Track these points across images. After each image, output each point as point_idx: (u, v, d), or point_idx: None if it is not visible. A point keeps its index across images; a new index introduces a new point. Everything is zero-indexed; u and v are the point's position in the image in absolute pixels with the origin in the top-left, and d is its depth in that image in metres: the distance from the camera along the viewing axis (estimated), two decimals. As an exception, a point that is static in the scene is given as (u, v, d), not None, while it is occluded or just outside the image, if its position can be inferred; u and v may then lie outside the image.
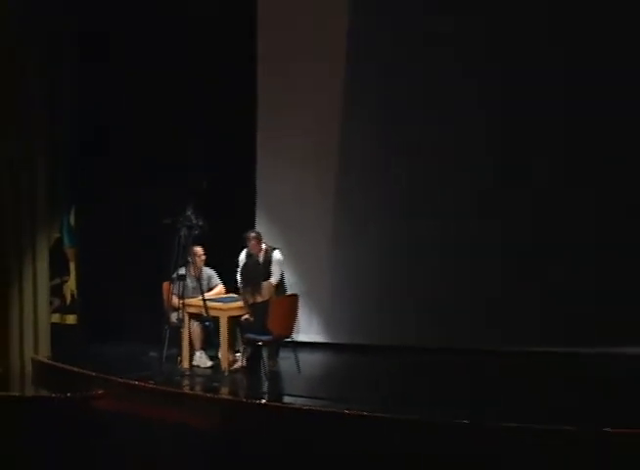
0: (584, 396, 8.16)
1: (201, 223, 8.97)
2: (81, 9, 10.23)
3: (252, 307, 8.94)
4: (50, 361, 9.85)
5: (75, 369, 9.21)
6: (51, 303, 10.13)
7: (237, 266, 9.38)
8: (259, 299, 8.93)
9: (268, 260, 9.32)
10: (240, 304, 9.23)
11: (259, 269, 9.18)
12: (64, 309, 10.21)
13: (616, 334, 9.38)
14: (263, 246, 9.34)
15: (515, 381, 8.67)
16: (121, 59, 10.20)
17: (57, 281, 10.17)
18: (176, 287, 9.21)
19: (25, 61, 9.91)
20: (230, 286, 9.66)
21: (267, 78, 10.24)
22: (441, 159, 9.94)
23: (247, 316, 9.06)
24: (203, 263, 9.42)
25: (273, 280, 9.13)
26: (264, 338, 8.90)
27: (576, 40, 9.57)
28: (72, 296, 10.18)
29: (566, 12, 9.56)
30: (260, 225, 9.99)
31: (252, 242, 9.29)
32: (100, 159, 10.26)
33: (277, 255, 9.33)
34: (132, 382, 8.61)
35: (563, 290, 9.66)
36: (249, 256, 9.31)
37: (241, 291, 9.24)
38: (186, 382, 9.10)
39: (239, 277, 9.30)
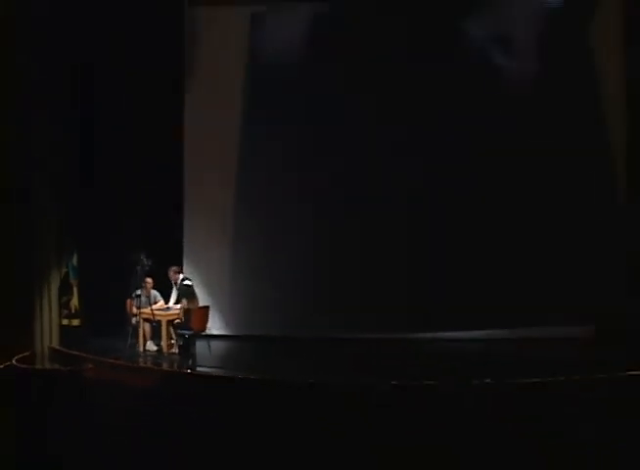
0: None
1: (150, 263, 11.53)
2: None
3: (185, 312, 11.75)
4: (60, 348, 11.57)
5: (75, 352, 10.92)
6: (62, 312, 12.02)
7: (171, 288, 12.07)
8: (191, 306, 11.87)
9: (181, 284, 11.89)
10: (174, 311, 11.74)
11: (183, 289, 11.98)
12: (70, 316, 12.15)
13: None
14: (180, 276, 12.00)
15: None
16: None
17: (65, 299, 12.13)
18: (135, 302, 11.67)
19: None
20: (167, 301, 12.00)
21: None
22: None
23: (178, 320, 11.69)
24: (151, 287, 11.96)
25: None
26: (189, 332, 11.36)
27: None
28: (75, 308, 12.18)
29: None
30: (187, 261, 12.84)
31: (171, 272, 12.00)
32: (88, 226, 12.47)
33: (187, 282, 11.91)
34: (109, 360, 10.49)
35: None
36: (174, 282, 12.04)
37: (181, 302, 11.76)
38: (141, 360, 11.24)
39: (174, 295, 12.13)
